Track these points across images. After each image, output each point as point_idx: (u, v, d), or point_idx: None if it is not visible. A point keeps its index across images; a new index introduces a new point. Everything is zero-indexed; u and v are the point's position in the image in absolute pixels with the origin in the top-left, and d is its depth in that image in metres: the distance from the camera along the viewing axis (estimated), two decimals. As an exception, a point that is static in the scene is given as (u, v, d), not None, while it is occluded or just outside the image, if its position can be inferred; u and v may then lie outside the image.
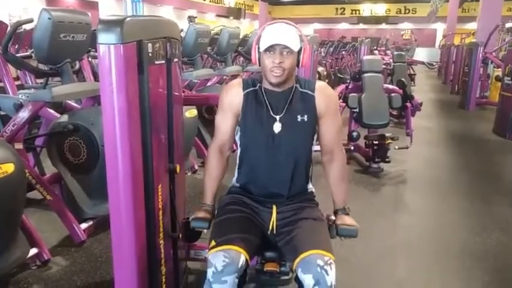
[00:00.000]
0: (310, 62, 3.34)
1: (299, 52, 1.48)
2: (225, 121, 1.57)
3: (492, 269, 2.35)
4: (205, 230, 1.54)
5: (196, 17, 14.36)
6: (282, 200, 1.56)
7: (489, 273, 2.30)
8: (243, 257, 1.34)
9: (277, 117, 1.52)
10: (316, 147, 1.61)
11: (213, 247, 1.37)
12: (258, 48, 1.48)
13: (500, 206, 3.27)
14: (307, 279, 1.30)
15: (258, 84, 1.56)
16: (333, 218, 1.58)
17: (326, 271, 1.29)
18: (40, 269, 2.22)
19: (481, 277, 2.26)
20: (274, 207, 1.55)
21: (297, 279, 1.38)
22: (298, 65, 1.50)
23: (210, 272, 1.32)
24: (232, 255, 1.33)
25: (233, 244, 1.36)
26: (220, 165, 1.61)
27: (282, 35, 1.44)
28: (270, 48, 1.44)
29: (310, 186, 1.65)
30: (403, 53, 7.66)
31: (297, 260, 1.34)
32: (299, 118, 1.52)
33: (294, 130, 1.52)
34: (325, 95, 1.55)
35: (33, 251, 2.18)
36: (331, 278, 1.29)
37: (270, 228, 1.52)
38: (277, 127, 1.51)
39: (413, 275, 2.29)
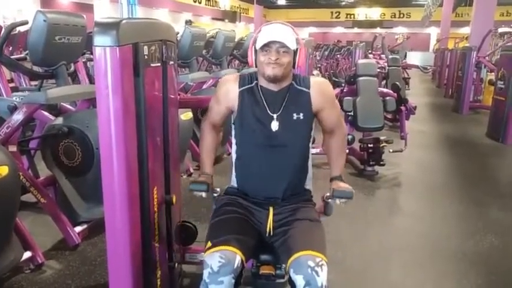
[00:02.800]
0: (305, 65, 3.36)
1: (295, 53, 1.49)
2: (217, 108, 1.63)
3: (485, 272, 2.36)
4: (203, 194, 1.55)
5: (192, 22, 14.37)
6: (279, 201, 1.56)
7: (482, 276, 2.31)
8: (238, 258, 1.34)
9: (275, 116, 1.52)
10: (313, 150, 1.61)
11: (209, 248, 1.37)
12: (255, 48, 1.49)
13: (494, 209, 3.29)
14: (299, 280, 1.30)
15: (255, 81, 1.56)
16: (328, 194, 1.58)
17: (317, 272, 1.29)
18: (34, 273, 2.20)
19: (474, 280, 2.27)
20: (271, 209, 1.55)
21: (291, 281, 1.38)
22: (294, 66, 1.51)
23: (206, 273, 1.32)
24: (228, 256, 1.33)
25: (229, 245, 1.36)
26: (214, 138, 1.68)
27: (278, 34, 1.45)
28: (266, 47, 1.45)
29: (308, 186, 1.66)
30: (397, 56, 7.70)
31: (290, 261, 1.35)
32: (295, 116, 1.53)
33: (290, 128, 1.52)
34: (320, 91, 1.57)
35: (26, 254, 2.16)
36: (321, 279, 1.29)
37: (267, 229, 1.52)
38: (274, 126, 1.52)
39: (407, 278, 2.29)
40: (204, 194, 1.55)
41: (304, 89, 1.55)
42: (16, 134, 2.48)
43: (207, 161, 1.66)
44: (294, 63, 1.51)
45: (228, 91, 1.57)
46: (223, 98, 1.59)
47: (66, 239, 2.44)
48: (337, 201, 1.53)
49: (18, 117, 2.38)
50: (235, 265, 1.33)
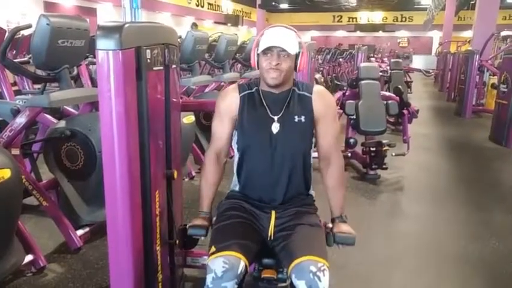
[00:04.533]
0: (308, 69, 3.36)
1: (297, 56, 1.49)
2: (221, 127, 1.57)
3: (489, 276, 2.34)
4: (202, 238, 1.54)
5: (197, 26, 14.42)
6: (281, 205, 1.55)
7: (486, 281, 2.29)
8: (242, 263, 1.34)
9: (275, 118, 1.52)
10: (315, 154, 1.61)
11: (213, 253, 1.37)
12: (257, 51, 1.49)
13: (497, 213, 3.27)
14: (301, 285, 1.29)
15: (255, 88, 1.56)
16: (330, 225, 1.57)
17: (319, 277, 1.29)
18: (35, 276, 2.20)
19: (477, 284, 2.26)
20: (273, 213, 1.54)
21: (292, 285, 1.37)
22: (295, 69, 1.51)
23: (209, 278, 1.32)
24: (232, 261, 1.32)
25: (233, 250, 1.35)
26: (217, 172, 1.61)
27: (280, 38, 1.45)
28: (268, 50, 1.45)
29: (310, 191, 1.65)
30: (400, 60, 7.70)
31: (291, 266, 1.34)
32: (296, 119, 1.52)
33: (291, 131, 1.52)
34: (323, 99, 1.56)
35: (28, 257, 2.16)
36: (323, 284, 1.29)
37: (269, 234, 1.52)
38: (275, 128, 1.51)
39: (410, 283, 2.28)
40: (202, 238, 1.54)
41: (306, 93, 1.55)
42: (19, 137, 2.49)
43: (207, 197, 1.60)
44: (296, 67, 1.50)
45: (230, 101, 1.55)
46: (225, 110, 1.55)
47: (68, 242, 2.44)
48: (339, 246, 1.51)
49: (21, 120, 2.39)
50: (239, 270, 1.32)
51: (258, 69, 1.52)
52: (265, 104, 1.53)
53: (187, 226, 1.55)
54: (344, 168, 1.63)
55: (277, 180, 1.54)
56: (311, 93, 1.54)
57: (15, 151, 2.44)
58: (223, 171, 1.64)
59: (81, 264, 2.34)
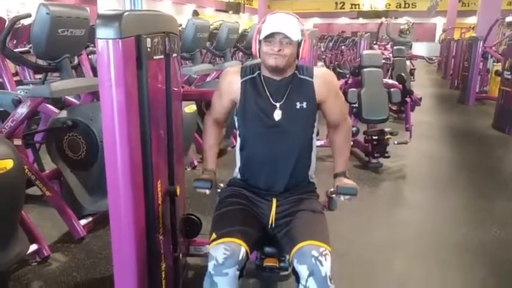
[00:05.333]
0: (310, 57, 3.33)
1: (299, 44, 1.47)
2: (220, 102, 1.63)
3: (490, 264, 2.35)
4: (207, 192, 1.54)
5: (199, 13, 14.31)
6: (282, 193, 1.55)
7: (487, 268, 2.30)
8: (243, 249, 1.34)
9: (277, 105, 1.51)
10: (318, 143, 1.60)
11: (214, 240, 1.37)
12: (259, 38, 1.47)
13: (499, 201, 3.27)
14: (302, 270, 1.30)
15: (257, 71, 1.55)
16: (332, 190, 1.58)
17: (320, 262, 1.29)
18: (40, 265, 2.22)
19: (478, 271, 2.27)
20: (274, 200, 1.54)
21: (294, 271, 1.38)
22: (298, 57, 1.50)
23: (211, 265, 1.33)
24: (233, 248, 1.33)
25: (233, 237, 1.36)
26: (217, 133, 1.70)
27: (283, 24, 1.43)
28: (270, 37, 1.43)
29: (312, 178, 1.65)
30: (403, 47, 7.62)
31: (293, 251, 1.35)
32: (298, 105, 1.52)
33: (293, 117, 1.51)
34: (324, 81, 1.55)
35: (33, 247, 2.18)
36: (325, 268, 1.29)
37: (270, 221, 1.52)
38: (277, 115, 1.51)
39: (412, 270, 2.29)
40: (207, 191, 1.55)
41: (307, 78, 1.53)
42: (21, 127, 2.49)
43: (210, 156, 1.67)
44: (298, 54, 1.49)
45: (231, 83, 1.56)
46: (226, 91, 1.58)
47: (71, 232, 2.46)
48: (341, 197, 1.52)
49: (22, 110, 2.39)
50: (240, 257, 1.33)
51: (259, 57, 1.50)
52: (267, 91, 1.52)
53: (193, 180, 1.56)
54: (351, 131, 1.70)
55: (279, 168, 1.54)
56: (312, 78, 1.53)
57: (18, 141, 2.44)
58: (223, 131, 1.73)
59: (84, 253, 2.36)
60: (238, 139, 1.60)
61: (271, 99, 1.52)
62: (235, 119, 1.60)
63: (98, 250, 2.39)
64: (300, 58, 1.50)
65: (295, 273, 1.37)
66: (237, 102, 1.56)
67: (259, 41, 1.47)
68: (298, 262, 1.32)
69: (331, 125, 1.64)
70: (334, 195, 1.56)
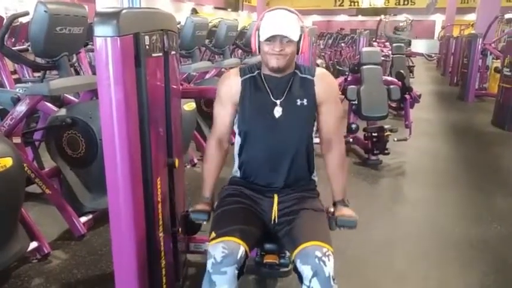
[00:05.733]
0: (309, 54, 3.33)
1: (299, 39, 1.47)
2: (223, 112, 1.56)
3: (491, 260, 2.36)
4: (204, 222, 1.55)
5: (197, 12, 14.30)
6: (283, 189, 1.55)
7: (488, 264, 2.31)
8: (242, 248, 1.34)
9: (278, 102, 1.51)
10: (317, 139, 1.60)
11: (213, 238, 1.37)
12: (258, 36, 1.47)
13: (499, 197, 3.28)
14: (306, 271, 1.30)
15: (257, 71, 1.54)
16: (332, 209, 1.58)
17: (324, 262, 1.29)
18: (40, 263, 2.22)
19: (479, 268, 2.27)
20: (276, 196, 1.54)
21: (296, 270, 1.38)
22: (298, 52, 1.49)
23: (209, 264, 1.33)
24: (232, 247, 1.33)
25: (232, 235, 1.36)
26: (219, 157, 1.61)
27: (282, 25, 1.42)
28: (270, 38, 1.43)
29: (313, 175, 1.64)
30: (402, 44, 7.62)
31: (296, 251, 1.35)
32: (298, 102, 1.51)
33: (294, 114, 1.51)
34: (325, 82, 1.54)
35: (33, 244, 2.19)
36: (329, 269, 1.29)
37: (272, 218, 1.52)
38: (277, 112, 1.50)
39: (412, 266, 2.30)
40: (205, 223, 1.55)
41: (308, 76, 1.53)
42: (20, 125, 2.49)
43: (209, 183, 1.61)
44: (298, 50, 1.48)
45: (230, 86, 1.54)
46: (227, 95, 1.54)
47: (71, 230, 2.46)
48: (340, 228, 1.52)
49: (21, 108, 2.39)
50: (239, 256, 1.33)
51: (259, 53, 1.50)
52: (267, 88, 1.52)
53: (189, 211, 1.56)
54: (345, 152, 1.63)
55: (279, 165, 1.54)
56: (313, 76, 1.53)
57: (17, 139, 2.44)
58: (226, 156, 1.64)
59: (85, 250, 2.36)
60: (238, 137, 1.60)
61: (271, 96, 1.51)
62: (236, 117, 1.59)
63: (98, 247, 2.39)
64: (299, 53, 1.50)
65: (297, 273, 1.37)
66: (238, 103, 1.54)
67: (259, 37, 1.46)
68: (302, 262, 1.32)
69: (325, 139, 1.58)
70: (334, 222, 1.54)
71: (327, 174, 1.61)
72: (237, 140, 1.60)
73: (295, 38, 1.44)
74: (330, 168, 1.60)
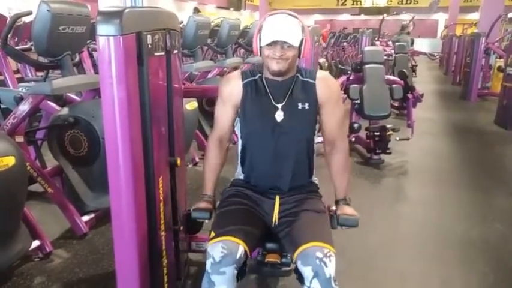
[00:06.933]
0: (311, 54, 3.32)
1: (300, 43, 1.47)
2: (224, 113, 1.57)
3: (492, 260, 2.35)
4: (206, 221, 1.55)
5: (200, 11, 14.29)
6: (285, 191, 1.56)
7: (489, 264, 2.30)
8: (241, 248, 1.34)
9: (279, 106, 1.51)
10: (318, 139, 1.60)
11: (212, 238, 1.38)
12: (260, 40, 1.47)
13: (501, 197, 3.27)
14: (307, 271, 1.30)
15: (258, 74, 1.55)
16: (334, 208, 1.58)
17: (325, 263, 1.29)
18: (42, 261, 2.23)
19: (481, 268, 2.27)
20: (277, 198, 1.55)
21: (297, 271, 1.38)
22: (299, 56, 1.49)
23: (208, 263, 1.33)
24: (231, 246, 1.33)
25: (232, 235, 1.36)
26: (220, 156, 1.62)
27: (284, 30, 1.42)
28: (271, 43, 1.43)
29: (314, 178, 1.65)
30: (404, 43, 7.60)
31: (297, 252, 1.35)
32: (300, 106, 1.51)
33: (295, 118, 1.51)
34: (326, 84, 1.54)
35: (35, 243, 2.19)
36: (330, 270, 1.29)
37: (273, 219, 1.52)
38: (279, 116, 1.51)
39: (414, 266, 2.29)
40: (206, 221, 1.55)
41: (309, 80, 1.53)
42: (23, 124, 2.50)
43: (210, 181, 1.62)
44: (300, 53, 1.48)
45: (232, 88, 1.55)
46: (228, 97, 1.55)
47: (73, 228, 2.47)
48: (342, 227, 1.52)
49: (24, 107, 2.39)
50: (238, 256, 1.32)
51: (261, 56, 1.50)
52: (268, 92, 1.52)
53: (191, 209, 1.56)
54: (349, 152, 1.63)
55: (281, 169, 1.54)
56: (314, 80, 1.53)
57: (20, 138, 2.45)
58: (226, 155, 1.65)
59: (87, 249, 2.37)
60: (240, 140, 1.60)
61: (272, 101, 1.52)
62: (237, 120, 1.60)
63: (100, 246, 2.40)
64: (301, 57, 1.50)
65: (298, 274, 1.37)
66: (239, 106, 1.55)
67: (260, 39, 1.46)
68: (302, 263, 1.32)
69: (328, 140, 1.58)
70: (335, 220, 1.54)
71: (330, 173, 1.61)
72: (240, 143, 1.61)
73: (296, 44, 1.44)
74: (333, 168, 1.60)
